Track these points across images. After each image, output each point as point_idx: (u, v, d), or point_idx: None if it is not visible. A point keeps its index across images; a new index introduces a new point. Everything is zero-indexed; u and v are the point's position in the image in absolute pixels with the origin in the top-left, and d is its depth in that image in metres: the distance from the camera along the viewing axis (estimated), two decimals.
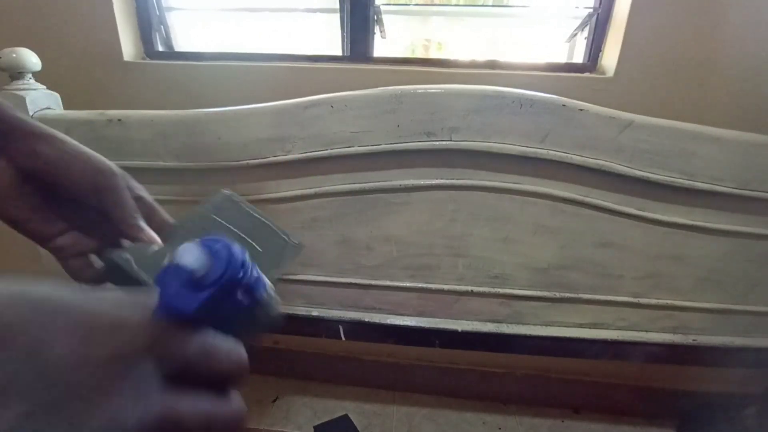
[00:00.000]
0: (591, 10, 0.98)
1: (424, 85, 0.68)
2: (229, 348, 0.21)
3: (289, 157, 0.72)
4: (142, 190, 0.36)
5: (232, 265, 0.21)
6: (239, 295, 0.22)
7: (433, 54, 1.16)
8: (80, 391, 0.14)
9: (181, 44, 1.15)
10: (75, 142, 0.33)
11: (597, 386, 1.19)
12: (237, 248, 0.22)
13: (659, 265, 0.76)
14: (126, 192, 0.34)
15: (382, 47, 1.08)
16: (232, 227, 0.38)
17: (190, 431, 0.17)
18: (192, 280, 0.20)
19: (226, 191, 0.41)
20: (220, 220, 0.38)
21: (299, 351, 1.27)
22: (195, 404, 0.18)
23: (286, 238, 0.38)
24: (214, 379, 0.19)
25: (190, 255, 0.20)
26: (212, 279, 0.20)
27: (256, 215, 0.39)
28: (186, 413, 0.17)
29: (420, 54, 1.16)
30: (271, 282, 0.26)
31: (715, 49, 0.87)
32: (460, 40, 1.17)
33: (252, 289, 0.23)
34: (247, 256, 0.22)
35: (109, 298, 0.18)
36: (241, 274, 0.21)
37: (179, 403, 0.17)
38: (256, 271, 0.24)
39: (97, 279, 0.34)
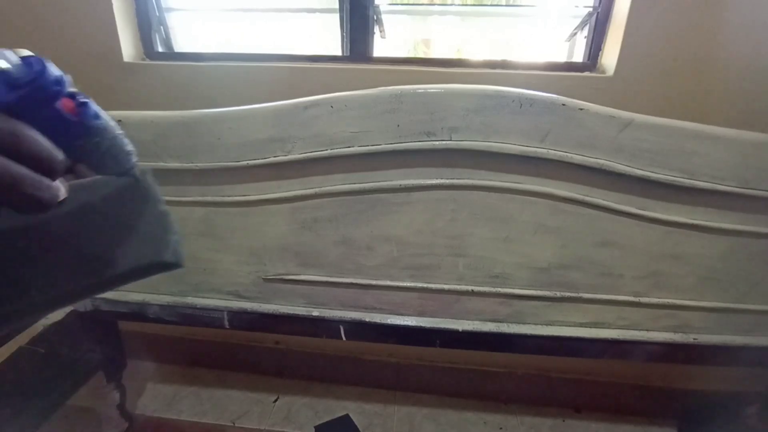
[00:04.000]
0: (591, 10, 0.98)
1: (424, 85, 0.68)
2: (41, 142, 0.25)
3: (289, 157, 0.72)
4: None
5: (44, 74, 0.26)
6: (59, 107, 0.27)
7: (433, 53, 1.16)
8: None
9: (180, 45, 1.15)
10: None
11: (598, 385, 1.19)
12: (53, 66, 0.27)
13: (660, 264, 0.76)
14: None
15: (382, 47, 1.08)
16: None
17: None
18: (8, 81, 0.25)
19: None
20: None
21: (300, 351, 1.27)
22: (5, 163, 0.23)
23: (163, 235, 0.34)
24: (26, 161, 0.24)
25: (5, 60, 0.25)
26: (24, 81, 0.25)
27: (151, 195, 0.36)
28: None
29: (420, 54, 1.17)
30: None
31: (714, 48, 0.87)
32: (459, 40, 1.17)
33: (80, 110, 0.29)
34: (65, 77, 0.28)
35: None
36: (56, 86, 0.27)
37: None
38: (86, 100, 0.29)
39: None
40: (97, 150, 0.32)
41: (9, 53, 0.25)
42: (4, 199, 0.23)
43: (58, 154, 0.27)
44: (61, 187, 0.27)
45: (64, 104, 0.28)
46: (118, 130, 0.33)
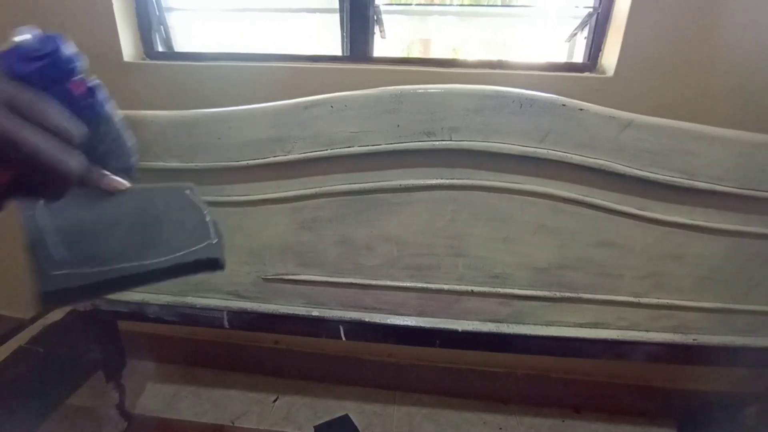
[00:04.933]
0: (591, 10, 0.98)
1: (424, 85, 0.68)
2: (60, 111, 0.25)
3: (289, 157, 0.72)
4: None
5: (59, 51, 0.27)
6: (71, 86, 0.28)
7: (431, 53, 1.16)
8: None
9: (180, 44, 1.15)
10: None
11: (598, 386, 1.19)
12: (68, 45, 0.28)
13: (659, 265, 0.76)
14: None
15: (382, 47, 1.08)
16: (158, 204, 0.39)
17: (22, 149, 0.22)
18: (26, 56, 0.26)
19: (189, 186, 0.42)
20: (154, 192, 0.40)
21: (300, 351, 1.27)
22: (31, 132, 0.22)
23: (211, 235, 0.39)
24: (47, 129, 0.24)
25: (24, 36, 0.26)
26: (40, 54, 0.26)
27: (200, 206, 0.41)
28: (21, 134, 0.22)
29: (417, 54, 1.17)
30: (176, 263, 0.34)
31: (715, 48, 0.87)
32: (459, 39, 1.17)
33: (90, 91, 0.30)
34: (77, 57, 0.29)
35: None
36: (70, 64, 0.28)
37: (16, 124, 0.22)
38: (96, 85, 0.31)
39: None
40: (103, 140, 0.33)
41: (28, 29, 0.26)
42: (25, 167, 0.23)
43: (77, 125, 0.26)
44: (79, 158, 0.26)
45: (74, 87, 0.28)
46: (122, 124, 0.34)
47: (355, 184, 0.74)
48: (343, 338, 0.85)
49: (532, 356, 1.11)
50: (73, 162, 0.25)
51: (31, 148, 0.22)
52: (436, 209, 0.75)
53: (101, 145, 0.33)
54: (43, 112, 0.24)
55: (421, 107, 0.68)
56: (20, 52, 0.26)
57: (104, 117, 0.32)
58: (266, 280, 0.84)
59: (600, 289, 0.79)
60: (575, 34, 1.05)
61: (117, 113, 0.33)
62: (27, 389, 0.77)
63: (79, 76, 0.29)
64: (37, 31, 0.26)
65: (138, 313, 0.88)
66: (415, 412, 1.19)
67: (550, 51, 1.12)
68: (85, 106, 0.30)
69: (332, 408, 1.19)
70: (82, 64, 0.29)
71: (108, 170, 0.34)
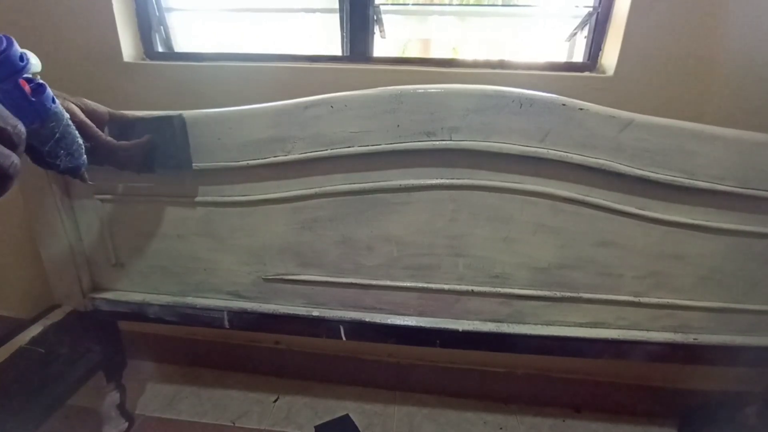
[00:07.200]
0: (591, 9, 0.97)
1: (424, 85, 0.68)
2: (4, 112, 0.26)
3: (289, 157, 0.72)
4: (89, 103, 0.53)
5: (10, 50, 0.28)
6: (21, 85, 0.29)
7: (430, 53, 1.16)
8: None
9: (180, 45, 1.15)
10: None
11: (598, 385, 1.19)
12: (16, 44, 0.29)
13: (660, 264, 0.76)
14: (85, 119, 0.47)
15: (382, 47, 1.07)
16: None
17: None
18: None
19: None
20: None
21: (300, 351, 1.27)
22: None
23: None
24: None
25: None
26: None
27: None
28: None
29: (413, 53, 1.16)
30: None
31: (714, 47, 0.87)
32: (459, 39, 1.17)
33: (37, 92, 0.30)
34: (28, 57, 0.30)
35: None
36: (21, 62, 0.29)
37: None
38: (43, 83, 0.31)
39: None
40: (52, 136, 0.33)
41: None
42: None
43: (20, 126, 0.27)
44: (16, 159, 0.27)
45: (23, 84, 0.29)
46: (71, 122, 0.35)
47: (355, 184, 0.74)
48: (344, 338, 0.85)
49: (532, 356, 1.11)
50: (9, 162, 0.26)
51: None
52: (436, 209, 0.75)
53: (50, 141, 0.34)
54: None
55: (421, 107, 0.68)
56: None
57: (52, 114, 0.33)
58: (266, 280, 0.84)
59: (600, 289, 0.79)
60: (575, 34, 1.05)
61: (65, 114, 0.34)
62: (27, 389, 0.77)
63: (28, 75, 0.30)
64: None
65: (138, 313, 0.88)
66: (415, 412, 1.19)
67: (550, 51, 1.12)
68: (33, 102, 0.31)
69: (333, 408, 1.19)
70: (31, 63, 0.30)
71: (59, 168, 0.36)
